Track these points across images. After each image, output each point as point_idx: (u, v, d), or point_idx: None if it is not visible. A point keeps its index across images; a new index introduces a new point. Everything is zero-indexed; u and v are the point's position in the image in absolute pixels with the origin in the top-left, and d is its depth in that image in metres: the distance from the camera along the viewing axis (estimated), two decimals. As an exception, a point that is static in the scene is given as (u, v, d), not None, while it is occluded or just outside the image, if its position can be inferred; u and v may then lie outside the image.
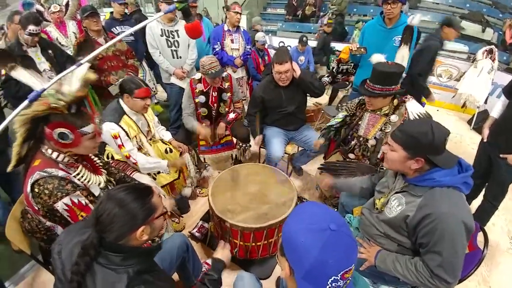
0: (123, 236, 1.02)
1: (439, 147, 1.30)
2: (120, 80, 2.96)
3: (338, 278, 0.78)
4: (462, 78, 5.02)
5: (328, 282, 0.78)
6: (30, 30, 2.53)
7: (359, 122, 2.27)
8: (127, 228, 1.02)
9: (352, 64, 4.76)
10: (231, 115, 3.00)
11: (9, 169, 1.36)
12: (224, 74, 2.88)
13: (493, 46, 4.86)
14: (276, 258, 2.23)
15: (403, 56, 2.39)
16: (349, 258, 0.80)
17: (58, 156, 1.36)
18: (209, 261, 2.21)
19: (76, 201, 1.36)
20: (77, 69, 1.27)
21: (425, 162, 1.33)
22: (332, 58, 5.99)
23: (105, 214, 1.00)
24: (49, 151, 1.35)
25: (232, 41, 3.86)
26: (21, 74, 1.33)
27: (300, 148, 3.19)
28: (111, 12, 4.00)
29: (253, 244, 2.00)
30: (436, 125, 1.31)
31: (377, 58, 2.17)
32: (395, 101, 2.12)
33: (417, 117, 2.02)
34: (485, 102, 4.57)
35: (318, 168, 2.38)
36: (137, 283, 0.99)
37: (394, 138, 1.40)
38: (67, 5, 4.09)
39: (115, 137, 2.10)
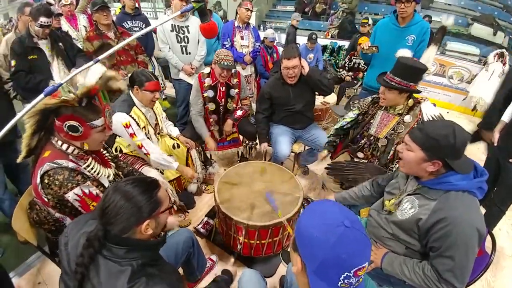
0: (128, 229, 1.02)
1: (459, 151, 1.26)
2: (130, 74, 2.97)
3: (351, 275, 0.78)
4: (474, 80, 4.97)
5: (341, 278, 0.78)
6: (41, 22, 2.53)
7: (371, 121, 2.22)
8: (133, 221, 1.02)
9: None
10: (239, 112, 2.99)
11: (19, 159, 1.37)
12: (233, 70, 2.87)
13: (504, 50, 4.81)
14: (280, 256, 2.25)
15: (429, 57, 2.35)
16: (362, 256, 0.80)
17: (68, 147, 1.36)
18: (213, 257, 2.23)
19: (87, 191, 1.36)
20: (93, 66, 1.27)
21: (442, 165, 1.29)
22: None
23: (111, 205, 1.00)
24: (59, 142, 1.36)
25: (242, 37, 3.84)
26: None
27: (307, 147, 3.17)
28: (123, 6, 4.01)
29: (258, 242, 1.99)
30: (458, 128, 1.26)
31: (404, 53, 2.13)
32: (410, 101, 2.06)
33: (431, 119, 1.97)
34: (495, 105, 4.52)
35: (325, 168, 2.35)
36: (139, 275, 0.99)
37: (413, 137, 1.34)
38: (77, -2, 4.11)
39: (126, 126, 2.10)
